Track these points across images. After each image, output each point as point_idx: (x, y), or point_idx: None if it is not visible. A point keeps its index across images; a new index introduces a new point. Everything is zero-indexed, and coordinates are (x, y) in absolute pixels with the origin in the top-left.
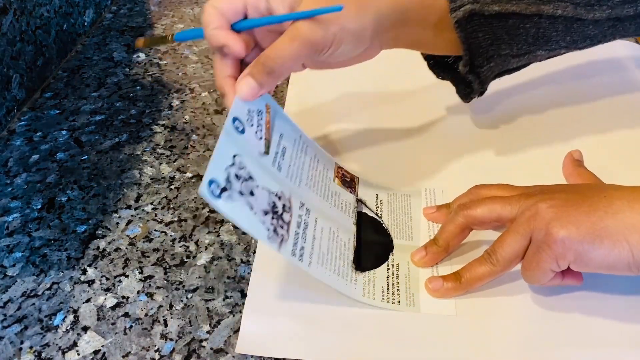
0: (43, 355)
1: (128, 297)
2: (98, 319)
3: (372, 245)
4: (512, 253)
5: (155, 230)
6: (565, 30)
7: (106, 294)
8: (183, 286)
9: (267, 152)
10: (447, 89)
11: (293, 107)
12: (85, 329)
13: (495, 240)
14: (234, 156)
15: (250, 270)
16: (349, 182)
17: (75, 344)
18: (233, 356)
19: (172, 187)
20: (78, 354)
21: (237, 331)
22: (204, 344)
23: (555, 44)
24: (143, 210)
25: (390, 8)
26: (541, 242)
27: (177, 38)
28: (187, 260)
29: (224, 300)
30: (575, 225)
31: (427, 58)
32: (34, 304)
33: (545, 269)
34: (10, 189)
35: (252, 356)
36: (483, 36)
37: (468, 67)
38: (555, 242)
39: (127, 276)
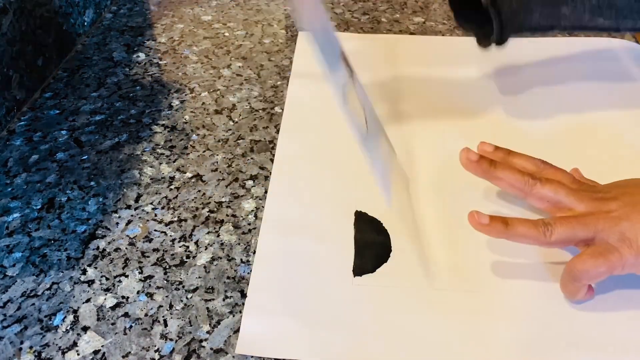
0: (43, 355)
1: (128, 297)
2: (98, 319)
3: (372, 244)
4: (568, 237)
5: (155, 230)
6: None
7: (106, 294)
8: (183, 286)
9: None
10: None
11: (294, 104)
12: (85, 329)
13: (557, 217)
14: None
15: (250, 270)
16: None
17: (75, 344)
18: (233, 356)
19: (172, 187)
20: (78, 354)
21: (237, 331)
22: (204, 344)
23: (580, 3)
24: (143, 210)
25: None
26: (612, 247)
27: None
28: (187, 260)
29: (224, 300)
30: None
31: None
32: (34, 304)
33: (608, 269)
34: (10, 189)
35: (252, 356)
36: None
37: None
38: (631, 249)
39: (127, 276)
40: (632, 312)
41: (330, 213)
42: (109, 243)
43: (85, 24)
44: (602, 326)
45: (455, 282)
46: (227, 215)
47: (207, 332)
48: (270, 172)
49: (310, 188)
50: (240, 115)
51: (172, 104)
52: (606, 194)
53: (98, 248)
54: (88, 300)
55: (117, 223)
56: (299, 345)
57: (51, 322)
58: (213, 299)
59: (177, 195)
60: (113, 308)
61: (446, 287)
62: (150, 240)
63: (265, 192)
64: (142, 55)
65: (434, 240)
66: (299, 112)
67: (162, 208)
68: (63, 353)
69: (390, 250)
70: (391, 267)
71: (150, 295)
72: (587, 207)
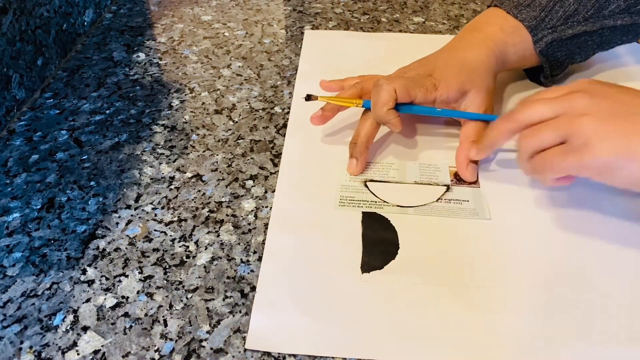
0: (43, 355)
1: (128, 297)
2: (98, 319)
3: (380, 241)
4: (538, 145)
5: (155, 230)
6: (623, 33)
7: (106, 294)
8: (183, 286)
9: None
10: None
11: (301, 102)
12: (85, 329)
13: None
14: None
15: (251, 270)
16: None
17: (75, 344)
18: (233, 356)
19: (172, 187)
20: (78, 354)
21: (237, 331)
22: (203, 344)
23: (614, 44)
24: (143, 210)
25: (500, 66)
26: (577, 148)
27: (365, 105)
28: (186, 260)
29: (223, 300)
30: (612, 142)
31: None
32: (33, 304)
33: (565, 169)
34: (10, 189)
35: (252, 356)
36: (561, 54)
37: (548, 78)
38: (591, 155)
39: (127, 276)
40: (633, 304)
41: (338, 210)
42: (109, 243)
43: (85, 24)
44: (605, 319)
45: (463, 277)
46: (227, 215)
47: (207, 332)
48: (270, 172)
49: (317, 185)
50: (240, 115)
51: (172, 104)
52: (583, 88)
53: (98, 248)
54: (88, 300)
55: (117, 223)
56: (307, 340)
57: (51, 322)
58: (213, 299)
59: (177, 195)
60: (113, 308)
61: (454, 283)
62: (150, 240)
63: (266, 191)
64: (142, 55)
65: (441, 238)
66: (306, 110)
67: (162, 208)
68: (63, 353)
69: (398, 247)
70: (399, 264)
71: (150, 295)
72: (570, 106)
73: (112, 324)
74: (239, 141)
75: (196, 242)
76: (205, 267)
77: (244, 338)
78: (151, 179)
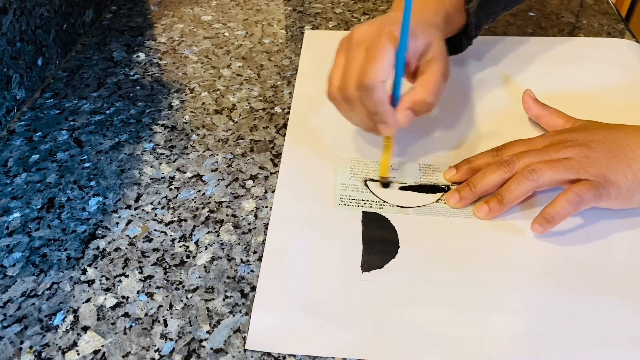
0: (43, 355)
1: (128, 297)
2: (98, 319)
3: (380, 240)
4: (553, 180)
5: (155, 230)
6: None
7: (106, 294)
8: (183, 286)
9: None
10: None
11: (300, 102)
12: (85, 329)
13: (536, 162)
14: None
15: (251, 270)
16: None
17: (75, 344)
18: (233, 356)
19: (172, 187)
20: (78, 354)
21: (237, 331)
22: (204, 344)
23: (515, 4)
24: (143, 210)
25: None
26: (598, 185)
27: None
28: (187, 260)
29: (224, 300)
30: (624, 175)
31: None
32: (34, 304)
33: (591, 202)
34: (10, 189)
35: (252, 356)
36: (481, 15)
37: (471, 39)
38: (614, 187)
39: (127, 276)
40: (635, 307)
41: (338, 209)
42: (109, 243)
43: (85, 24)
44: (605, 321)
45: (463, 277)
46: (227, 215)
47: (207, 332)
48: (270, 172)
49: (317, 185)
50: (240, 115)
51: (172, 104)
52: (570, 143)
53: (98, 248)
54: (88, 300)
55: (117, 223)
56: (307, 340)
57: (51, 322)
58: (213, 299)
59: (177, 195)
60: (113, 308)
61: (454, 283)
62: (150, 240)
63: (266, 191)
64: (142, 55)
65: (441, 237)
66: (306, 110)
67: (162, 208)
68: (63, 353)
69: (398, 246)
70: (399, 263)
71: (150, 295)
72: (573, 152)
73: (112, 324)
74: (239, 141)
75: (196, 242)
76: (205, 267)
77: (244, 338)
78: (151, 179)
